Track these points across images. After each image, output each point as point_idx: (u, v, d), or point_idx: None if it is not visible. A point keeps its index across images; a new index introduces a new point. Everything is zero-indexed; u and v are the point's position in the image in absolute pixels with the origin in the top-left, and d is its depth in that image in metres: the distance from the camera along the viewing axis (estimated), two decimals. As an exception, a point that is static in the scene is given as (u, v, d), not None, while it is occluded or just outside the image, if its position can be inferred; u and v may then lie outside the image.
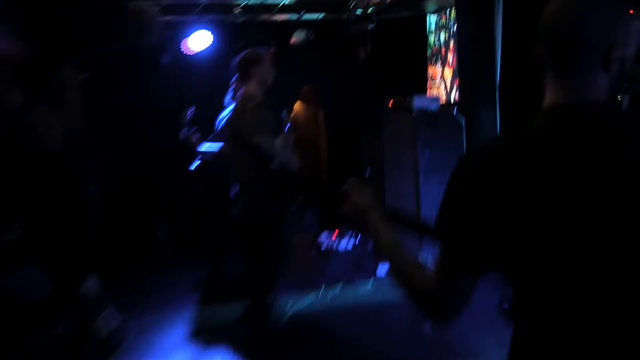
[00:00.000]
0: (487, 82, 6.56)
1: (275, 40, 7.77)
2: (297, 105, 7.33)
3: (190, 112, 5.86)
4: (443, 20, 7.95)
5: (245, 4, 7.71)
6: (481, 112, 6.55)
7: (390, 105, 6.60)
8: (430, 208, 6.29)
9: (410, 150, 6.28)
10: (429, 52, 8.35)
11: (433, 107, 6.37)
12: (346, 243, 7.03)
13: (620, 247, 1.20)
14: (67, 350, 4.26)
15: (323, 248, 7.22)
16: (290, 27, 8.01)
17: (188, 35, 7.53)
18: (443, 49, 7.87)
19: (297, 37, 7.87)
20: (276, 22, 8.01)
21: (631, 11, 1.27)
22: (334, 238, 7.30)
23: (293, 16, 7.95)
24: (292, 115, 6.65)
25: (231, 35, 7.82)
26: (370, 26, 7.75)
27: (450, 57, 7.72)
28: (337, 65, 8.13)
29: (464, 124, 6.40)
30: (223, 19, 7.79)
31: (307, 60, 7.97)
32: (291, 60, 7.82)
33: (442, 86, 7.94)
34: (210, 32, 7.51)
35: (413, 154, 6.29)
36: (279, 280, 4.60)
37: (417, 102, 6.29)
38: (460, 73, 7.03)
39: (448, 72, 7.80)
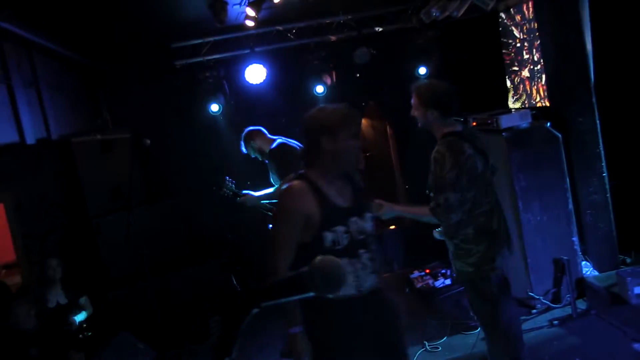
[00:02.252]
0: (581, 85, 5.59)
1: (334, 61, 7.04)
2: (364, 122, 6.58)
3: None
4: (518, 18, 6.86)
5: (299, 27, 6.89)
6: (577, 121, 5.56)
7: (474, 125, 5.62)
8: (533, 237, 5.34)
9: (503, 175, 5.30)
10: (507, 56, 7.31)
11: (524, 125, 5.37)
12: (442, 281, 6.17)
13: None
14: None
15: (418, 286, 6.34)
16: (350, 45, 7.12)
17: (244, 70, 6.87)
18: (524, 51, 6.81)
19: (358, 57, 6.96)
20: (334, 42, 7.15)
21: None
22: (426, 274, 6.46)
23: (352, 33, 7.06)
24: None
25: (289, 62, 7.21)
26: (436, 34, 6.82)
27: (530, 60, 6.67)
28: (404, 78, 7.22)
29: (561, 138, 5.40)
30: (279, 47, 7.10)
31: (371, 76, 7.19)
32: (354, 77, 7.16)
33: (525, 96, 6.92)
34: (262, 66, 6.80)
35: (507, 179, 5.32)
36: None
37: (506, 121, 5.29)
38: (548, 78, 6.01)
39: (530, 78, 6.79)
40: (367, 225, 2.86)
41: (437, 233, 3.81)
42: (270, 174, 5.31)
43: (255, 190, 5.37)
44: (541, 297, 5.36)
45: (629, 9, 5.62)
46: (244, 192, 5.35)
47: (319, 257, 1.69)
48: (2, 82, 5.05)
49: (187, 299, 6.25)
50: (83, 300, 5.63)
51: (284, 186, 2.87)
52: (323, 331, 2.76)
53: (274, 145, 5.13)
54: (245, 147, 5.41)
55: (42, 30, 5.30)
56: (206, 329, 6.25)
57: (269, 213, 5.28)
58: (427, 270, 6.61)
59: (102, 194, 6.29)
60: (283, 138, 5.22)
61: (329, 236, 2.73)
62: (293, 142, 5.16)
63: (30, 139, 5.36)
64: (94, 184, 6.24)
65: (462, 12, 5.76)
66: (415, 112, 3.66)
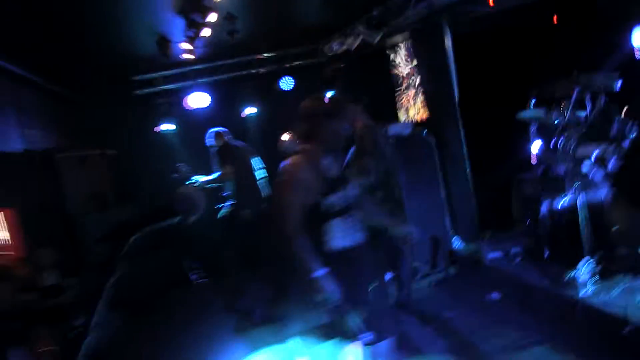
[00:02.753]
0: (448, 103, 7.03)
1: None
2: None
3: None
4: (404, 53, 8.38)
5: (231, 63, 8.21)
6: (446, 130, 7.00)
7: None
8: (415, 219, 6.61)
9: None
10: (397, 81, 8.78)
11: (406, 132, 6.77)
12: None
13: None
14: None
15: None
16: (274, 77, 8.46)
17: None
18: (406, 79, 8.31)
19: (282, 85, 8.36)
20: (262, 74, 8.46)
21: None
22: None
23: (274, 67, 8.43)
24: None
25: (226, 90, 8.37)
26: (341, 66, 8.27)
27: (413, 85, 8.16)
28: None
29: (434, 142, 6.82)
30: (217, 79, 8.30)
31: (292, 102, 8.37)
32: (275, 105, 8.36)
33: (412, 111, 8.37)
34: (205, 93, 8.05)
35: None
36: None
37: (393, 129, 6.68)
38: (425, 98, 7.46)
39: (415, 99, 8.23)
40: (352, 193, 3.23)
41: None
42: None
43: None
44: (422, 266, 6.56)
45: (481, 49, 7.22)
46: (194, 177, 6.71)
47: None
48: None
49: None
50: (72, 280, 6.67)
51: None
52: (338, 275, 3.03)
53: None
54: (215, 140, 6.73)
55: (27, 68, 6.36)
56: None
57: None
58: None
59: (81, 197, 7.39)
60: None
61: (325, 201, 3.10)
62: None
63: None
64: (74, 189, 7.29)
65: (355, 45, 7.13)
66: None
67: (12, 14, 4.88)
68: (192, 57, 6.48)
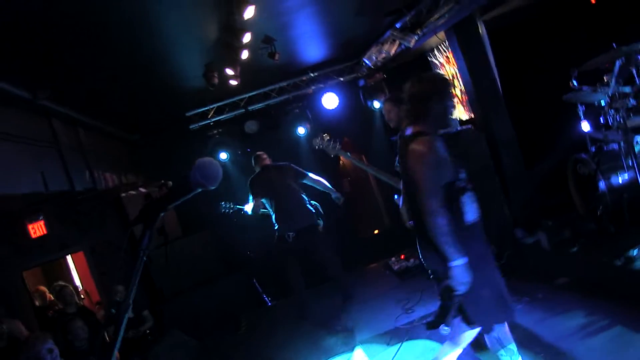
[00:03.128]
0: (492, 97, 7.07)
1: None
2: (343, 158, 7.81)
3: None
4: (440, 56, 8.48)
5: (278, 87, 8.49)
6: (494, 122, 7.03)
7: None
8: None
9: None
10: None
11: (454, 129, 6.82)
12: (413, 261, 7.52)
13: None
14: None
15: (395, 268, 7.71)
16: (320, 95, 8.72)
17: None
18: (452, 78, 8.38)
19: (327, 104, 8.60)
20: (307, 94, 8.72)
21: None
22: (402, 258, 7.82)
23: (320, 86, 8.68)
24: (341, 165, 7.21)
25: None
26: (383, 76, 8.44)
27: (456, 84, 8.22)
28: (365, 115, 8.78)
29: (483, 137, 6.85)
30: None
31: (340, 118, 8.60)
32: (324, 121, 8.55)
33: (459, 109, 8.43)
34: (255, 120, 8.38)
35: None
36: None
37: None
38: (467, 94, 7.51)
39: (460, 96, 8.29)
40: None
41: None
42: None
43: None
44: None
45: (519, 39, 7.24)
46: (238, 206, 6.98)
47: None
48: (53, 147, 6.30)
49: (220, 303, 7.74)
50: (145, 312, 7.06)
51: (420, 143, 3.13)
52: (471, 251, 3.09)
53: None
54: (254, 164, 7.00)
55: (86, 112, 6.74)
56: (238, 324, 7.64)
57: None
58: (402, 256, 7.98)
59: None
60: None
61: (459, 177, 3.27)
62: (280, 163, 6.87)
63: (78, 187, 6.62)
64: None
65: (393, 52, 7.28)
66: None
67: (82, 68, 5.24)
68: (237, 82, 6.72)
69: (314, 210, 6.69)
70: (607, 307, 4.68)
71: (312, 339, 6.36)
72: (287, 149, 8.54)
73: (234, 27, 5.00)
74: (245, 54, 5.67)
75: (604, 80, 5.66)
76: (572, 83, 5.89)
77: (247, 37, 5.19)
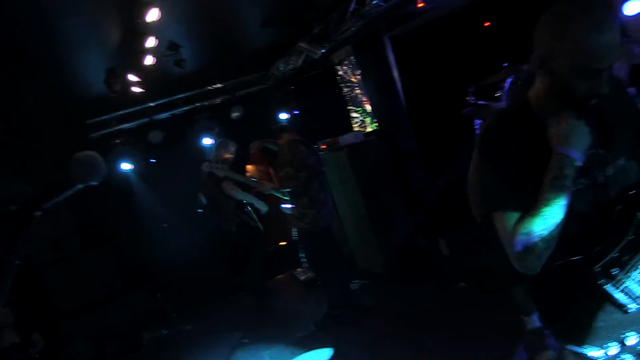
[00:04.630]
0: (396, 110, 7.29)
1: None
2: (250, 167, 7.76)
3: None
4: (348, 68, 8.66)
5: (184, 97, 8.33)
6: (398, 135, 7.22)
7: (323, 147, 7.12)
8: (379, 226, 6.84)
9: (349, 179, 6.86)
10: (346, 96, 9.02)
11: (358, 141, 6.95)
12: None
13: None
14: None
15: (302, 279, 7.73)
16: (226, 106, 8.62)
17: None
18: (355, 92, 8.57)
19: (234, 116, 8.53)
20: (215, 105, 8.60)
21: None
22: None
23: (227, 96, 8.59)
24: (248, 175, 7.13)
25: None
26: (291, 88, 8.49)
27: (361, 96, 8.41)
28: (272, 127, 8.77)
29: (386, 148, 7.03)
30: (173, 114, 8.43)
31: (247, 130, 8.52)
32: (233, 131, 8.47)
33: (364, 121, 8.61)
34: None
35: (351, 181, 6.84)
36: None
37: (344, 139, 6.87)
38: (372, 107, 7.69)
39: (365, 109, 8.46)
40: None
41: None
42: None
43: None
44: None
45: (422, 56, 7.52)
46: None
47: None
48: None
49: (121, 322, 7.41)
50: (35, 335, 6.61)
51: None
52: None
53: None
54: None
55: None
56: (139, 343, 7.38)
57: None
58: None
59: (43, 248, 7.38)
60: None
61: None
62: None
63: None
64: (35, 240, 7.22)
65: (299, 64, 7.38)
66: None
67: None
68: (141, 90, 6.53)
69: None
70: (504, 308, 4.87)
71: (218, 353, 6.24)
72: (193, 159, 8.36)
73: (137, 31, 4.86)
74: (149, 60, 5.52)
75: (496, 96, 5.95)
76: (469, 98, 6.14)
77: (150, 42, 5.05)
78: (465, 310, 5.29)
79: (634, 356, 1.81)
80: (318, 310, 6.39)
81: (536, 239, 1.78)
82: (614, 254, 1.81)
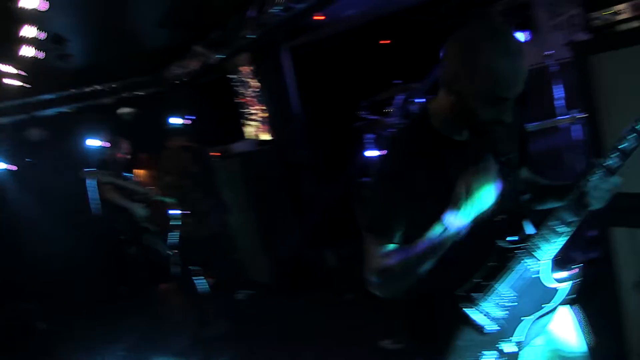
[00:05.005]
0: (292, 120, 7.32)
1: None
2: (140, 172, 7.50)
3: None
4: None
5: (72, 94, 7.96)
6: (293, 145, 7.25)
7: (217, 154, 7.04)
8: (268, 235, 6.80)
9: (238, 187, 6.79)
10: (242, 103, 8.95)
11: (251, 148, 6.93)
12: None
13: None
14: None
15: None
16: (117, 107, 8.31)
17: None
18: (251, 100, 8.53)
19: (123, 116, 8.22)
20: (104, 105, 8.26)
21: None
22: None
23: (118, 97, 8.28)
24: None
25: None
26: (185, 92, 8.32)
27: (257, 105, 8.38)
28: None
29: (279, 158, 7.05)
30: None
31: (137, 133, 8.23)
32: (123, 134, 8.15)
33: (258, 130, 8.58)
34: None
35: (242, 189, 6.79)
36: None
37: (237, 147, 6.83)
38: (268, 116, 7.69)
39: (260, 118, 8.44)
40: None
41: None
42: None
43: None
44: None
45: (320, 69, 7.63)
46: None
47: None
48: None
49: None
50: None
51: None
52: None
53: None
54: None
55: None
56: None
57: None
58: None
59: None
60: None
61: None
62: None
63: None
64: None
65: (195, 68, 7.26)
66: None
67: None
68: (19, 83, 6.14)
69: None
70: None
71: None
72: (78, 159, 7.97)
73: (12, 17, 4.54)
74: (28, 51, 5.19)
75: (386, 112, 6.10)
76: (361, 113, 6.27)
77: (28, 31, 4.74)
78: (351, 321, 5.34)
79: None
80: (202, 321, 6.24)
81: (392, 282, 1.90)
82: (477, 279, 1.88)
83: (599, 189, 1.72)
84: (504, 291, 1.86)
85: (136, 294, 6.93)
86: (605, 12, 2.76)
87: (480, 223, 1.78)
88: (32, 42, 5.10)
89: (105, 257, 7.46)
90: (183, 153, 5.71)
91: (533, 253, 1.85)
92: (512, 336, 1.88)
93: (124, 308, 7.52)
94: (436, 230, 1.77)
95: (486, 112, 1.68)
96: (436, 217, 1.77)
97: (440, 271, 1.85)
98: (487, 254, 1.88)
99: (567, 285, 1.86)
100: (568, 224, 1.78)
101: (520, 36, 5.11)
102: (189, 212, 5.64)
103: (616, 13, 2.73)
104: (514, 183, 1.92)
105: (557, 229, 1.80)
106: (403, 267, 1.85)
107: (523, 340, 1.88)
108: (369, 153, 6.41)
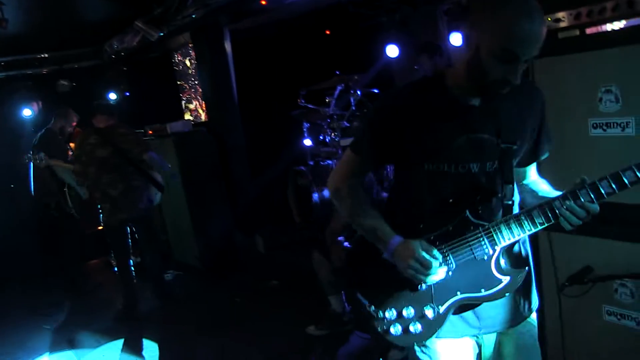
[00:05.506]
0: (228, 104, 7.31)
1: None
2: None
3: None
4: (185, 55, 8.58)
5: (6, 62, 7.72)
6: (227, 128, 7.26)
7: (150, 133, 6.98)
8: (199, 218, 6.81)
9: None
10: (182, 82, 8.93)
11: (186, 130, 6.90)
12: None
13: None
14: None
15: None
16: (53, 78, 8.10)
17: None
18: (189, 79, 8.51)
19: (60, 87, 8.03)
20: (40, 74, 8.04)
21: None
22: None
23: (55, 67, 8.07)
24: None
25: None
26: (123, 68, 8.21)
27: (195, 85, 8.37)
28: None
29: (214, 140, 7.04)
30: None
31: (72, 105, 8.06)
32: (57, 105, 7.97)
33: (195, 111, 8.58)
34: None
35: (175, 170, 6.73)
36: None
37: (172, 127, 6.78)
38: (205, 98, 7.68)
39: (197, 98, 8.44)
40: None
41: None
42: None
43: None
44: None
45: (260, 54, 7.64)
46: None
47: None
48: None
49: None
50: None
51: None
52: None
53: None
54: None
55: None
56: None
57: None
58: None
59: None
60: None
61: None
62: None
63: None
64: None
65: (135, 43, 7.16)
66: None
67: None
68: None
69: None
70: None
71: (10, 338, 5.83)
72: (10, 130, 7.78)
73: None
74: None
75: (325, 101, 6.19)
76: (300, 101, 6.33)
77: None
78: (274, 308, 5.43)
79: (402, 326, 2.00)
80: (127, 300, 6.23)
81: (337, 203, 2.16)
82: (430, 238, 1.98)
83: (574, 212, 1.81)
84: (451, 258, 1.95)
85: (65, 269, 6.85)
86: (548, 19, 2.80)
87: (457, 193, 1.95)
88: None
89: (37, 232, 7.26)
90: (88, 137, 5.48)
91: (493, 235, 1.92)
92: (440, 304, 1.97)
93: (47, 280, 7.42)
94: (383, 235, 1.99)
95: (497, 69, 1.75)
96: (409, 165, 2.01)
97: (399, 217, 2.04)
98: (451, 219, 1.96)
99: (510, 281, 1.93)
100: (535, 225, 1.88)
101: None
102: (102, 198, 5.57)
103: (557, 20, 2.79)
104: (506, 174, 1.97)
105: (524, 224, 1.89)
106: (349, 213, 2.12)
107: (445, 313, 1.97)
108: (307, 141, 6.51)
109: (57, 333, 5.79)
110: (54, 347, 5.45)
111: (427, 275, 1.89)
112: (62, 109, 6.73)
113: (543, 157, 2.11)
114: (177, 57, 8.74)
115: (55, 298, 6.67)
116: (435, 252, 1.93)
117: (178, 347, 5.04)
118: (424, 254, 1.89)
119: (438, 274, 1.91)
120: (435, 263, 1.89)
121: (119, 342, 5.26)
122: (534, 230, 1.90)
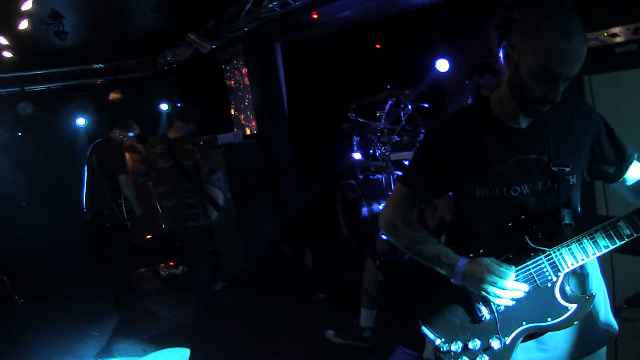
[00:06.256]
0: (279, 116, 7.41)
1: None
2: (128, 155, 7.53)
3: None
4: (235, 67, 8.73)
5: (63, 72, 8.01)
6: (276, 140, 7.36)
7: (201, 144, 7.11)
8: (246, 229, 6.93)
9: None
10: (232, 93, 9.07)
11: (237, 141, 7.03)
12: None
13: None
14: None
15: (163, 274, 7.63)
16: (107, 88, 8.37)
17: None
18: (240, 91, 8.64)
19: (113, 96, 8.29)
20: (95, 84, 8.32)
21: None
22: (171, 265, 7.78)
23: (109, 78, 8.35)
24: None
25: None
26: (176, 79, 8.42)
27: (246, 97, 8.49)
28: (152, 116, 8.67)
29: (264, 152, 7.15)
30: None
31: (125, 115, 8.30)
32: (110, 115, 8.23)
33: (246, 122, 8.70)
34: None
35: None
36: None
37: (222, 138, 6.92)
38: (255, 110, 7.79)
39: (248, 110, 8.55)
40: None
41: None
42: None
43: None
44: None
45: (310, 67, 7.74)
46: None
47: None
48: None
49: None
50: None
51: None
52: None
53: None
54: None
55: None
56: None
57: None
58: (171, 263, 7.92)
59: None
60: None
61: None
62: None
63: None
64: None
65: (186, 56, 7.35)
66: None
67: None
68: (11, 55, 6.19)
69: None
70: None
71: (59, 345, 6.00)
72: (63, 138, 8.07)
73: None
74: (24, 24, 5.26)
75: (376, 115, 6.23)
76: (350, 114, 6.39)
77: (27, 5, 4.81)
78: (321, 321, 5.45)
79: (469, 359, 1.98)
80: (176, 308, 6.38)
81: (391, 238, 2.17)
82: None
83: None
84: (514, 287, 1.88)
85: (113, 277, 7.02)
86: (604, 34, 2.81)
87: (514, 218, 1.94)
88: (28, 15, 5.15)
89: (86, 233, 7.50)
90: (158, 145, 5.61)
91: (555, 261, 1.89)
92: (506, 335, 1.94)
93: (96, 288, 7.64)
94: (448, 259, 1.98)
95: (537, 87, 1.77)
96: (463, 192, 2.04)
97: (460, 245, 2.03)
98: (510, 246, 1.94)
99: (577, 308, 1.89)
100: (599, 248, 1.84)
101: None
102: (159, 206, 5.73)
103: (614, 35, 2.80)
104: (562, 196, 1.94)
105: (586, 247, 1.85)
106: (408, 244, 2.11)
107: (511, 344, 1.94)
108: (356, 155, 6.55)
109: (104, 340, 5.95)
110: (100, 354, 5.59)
111: (503, 287, 1.85)
112: (123, 119, 6.90)
113: (632, 162, 2.03)
114: (228, 68, 8.90)
115: (103, 306, 6.85)
116: (506, 266, 1.89)
117: (222, 357, 5.12)
118: (496, 265, 1.88)
119: (515, 288, 1.87)
120: (510, 273, 1.87)
121: (165, 352, 5.34)
122: (598, 254, 1.86)
